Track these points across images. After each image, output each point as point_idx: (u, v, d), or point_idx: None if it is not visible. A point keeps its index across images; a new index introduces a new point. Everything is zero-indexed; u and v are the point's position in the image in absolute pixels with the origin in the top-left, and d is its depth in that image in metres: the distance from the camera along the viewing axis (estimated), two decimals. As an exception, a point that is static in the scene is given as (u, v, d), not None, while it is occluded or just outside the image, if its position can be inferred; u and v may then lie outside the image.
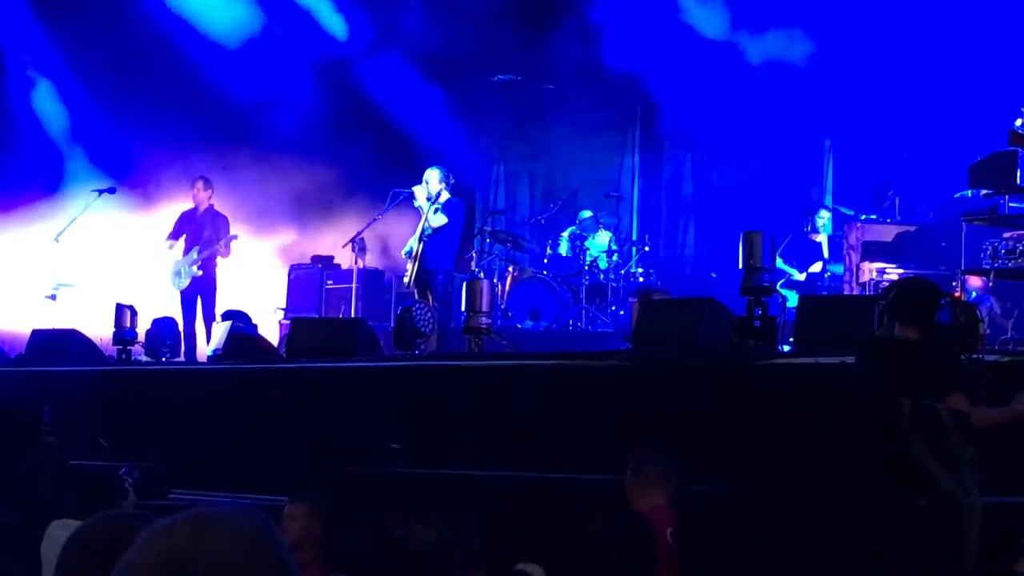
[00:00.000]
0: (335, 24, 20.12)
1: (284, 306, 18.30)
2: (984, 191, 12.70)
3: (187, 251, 16.38)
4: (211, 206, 16.70)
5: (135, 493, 8.24)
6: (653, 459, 7.84)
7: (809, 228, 16.81)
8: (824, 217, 16.84)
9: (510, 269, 17.84)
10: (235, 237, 16.44)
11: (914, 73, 16.85)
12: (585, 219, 18.38)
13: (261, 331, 14.73)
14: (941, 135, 16.36)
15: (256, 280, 18.66)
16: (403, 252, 15.90)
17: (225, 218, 16.67)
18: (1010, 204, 12.35)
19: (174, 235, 16.64)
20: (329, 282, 18.21)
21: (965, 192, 14.06)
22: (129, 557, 2.31)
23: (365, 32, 20.08)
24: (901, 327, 7.54)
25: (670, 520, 7.41)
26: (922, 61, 16.76)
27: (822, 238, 16.75)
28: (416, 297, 15.06)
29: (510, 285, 17.46)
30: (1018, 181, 11.80)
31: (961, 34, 16.31)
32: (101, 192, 16.90)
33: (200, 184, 16.71)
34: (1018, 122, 11.94)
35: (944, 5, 16.74)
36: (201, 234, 16.36)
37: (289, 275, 18.68)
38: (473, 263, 18.38)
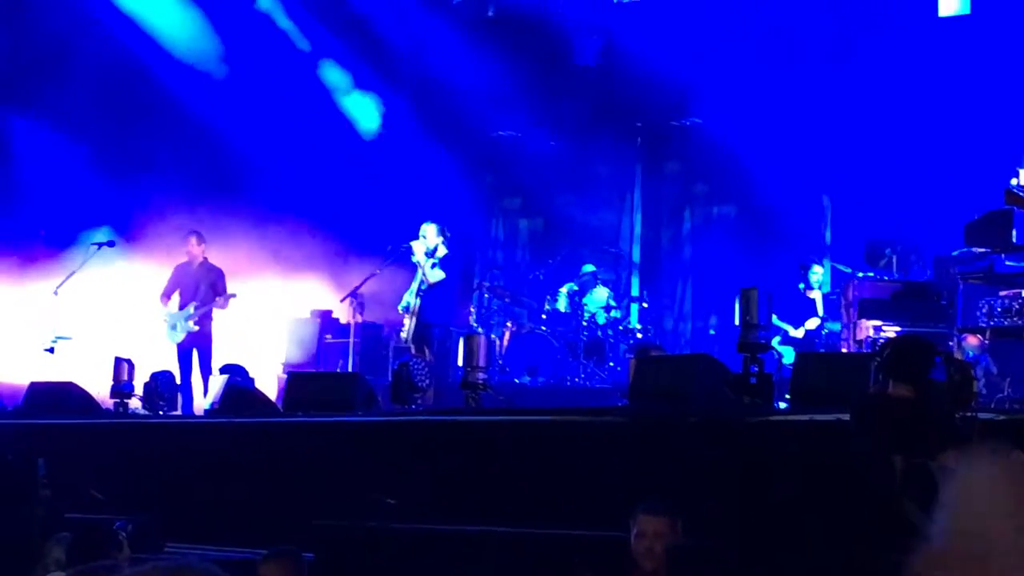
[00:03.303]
0: (334, 76, 20.28)
1: (283, 360, 18.28)
2: (979, 249, 12.69)
3: (183, 305, 16.32)
4: (205, 259, 16.62)
5: (130, 546, 8.23)
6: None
7: (803, 285, 16.75)
8: (818, 273, 16.78)
9: (508, 324, 17.85)
10: (234, 296, 16.35)
11: (912, 132, 16.95)
12: (586, 274, 18.34)
13: (259, 384, 14.73)
14: (938, 193, 16.40)
15: (254, 333, 18.65)
16: (400, 307, 15.90)
17: (220, 271, 16.61)
18: (1006, 263, 12.36)
19: (168, 292, 16.53)
20: (327, 336, 18.21)
21: (963, 250, 14.06)
22: None
23: (364, 84, 20.20)
24: (895, 384, 7.54)
25: None
26: (920, 120, 16.86)
27: (816, 295, 16.68)
28: (413, 352, 15.07)
29: (508, 340, 17.47)
30: (1014, 239, 11.81)
31: (959, 94, 16.42)
32: (100, 245, 16.88)
33: (194, 239, 16.64)
34: (1014, 181, 11.98)
35: (942, 66, 16.86)
36: (197, 288, 16.31)
37: (288, 329, 18.67)
38: (472, 318, 18.39)
